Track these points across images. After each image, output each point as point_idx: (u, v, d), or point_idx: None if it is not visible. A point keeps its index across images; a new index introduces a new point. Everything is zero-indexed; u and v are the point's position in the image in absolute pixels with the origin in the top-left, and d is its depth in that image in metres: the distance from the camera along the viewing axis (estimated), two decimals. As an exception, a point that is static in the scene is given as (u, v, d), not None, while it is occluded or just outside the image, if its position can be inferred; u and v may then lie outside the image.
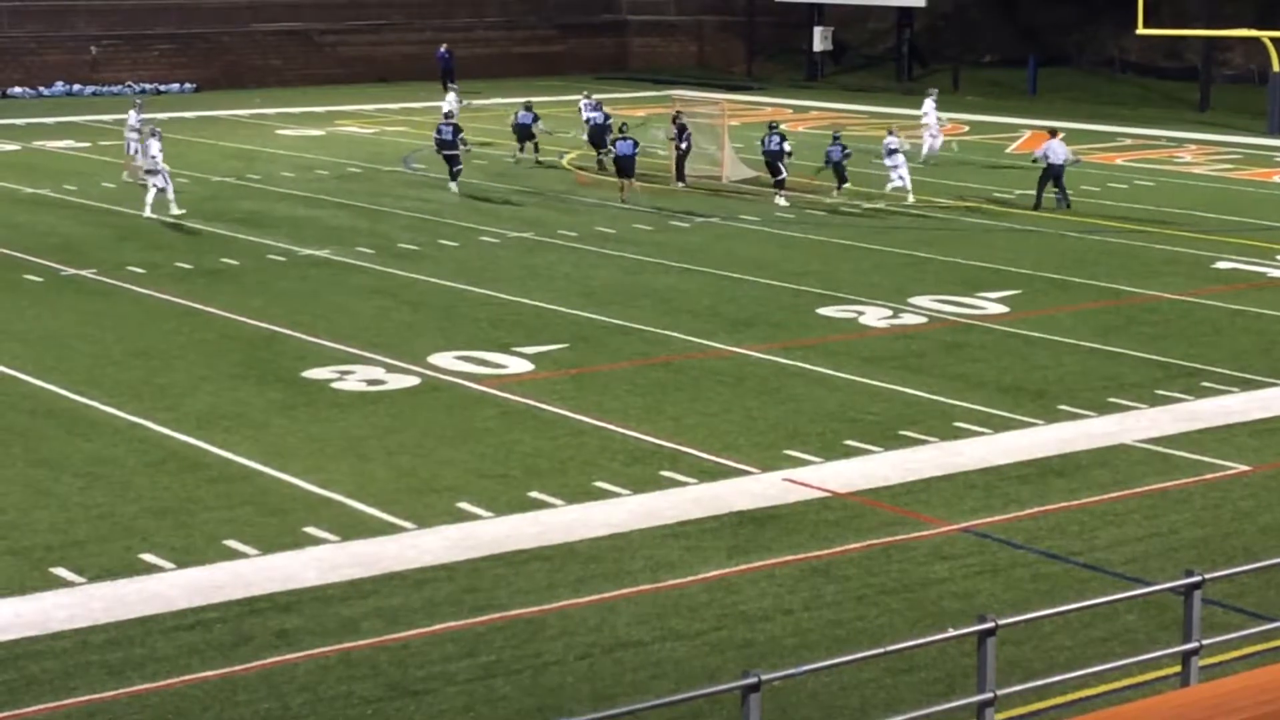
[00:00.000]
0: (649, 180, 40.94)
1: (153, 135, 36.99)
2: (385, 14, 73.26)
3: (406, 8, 73.79)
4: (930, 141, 46.91)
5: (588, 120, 45.61)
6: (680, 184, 41.75)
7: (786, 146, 39.34)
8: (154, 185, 36.52)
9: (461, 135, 40.71)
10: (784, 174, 39.23)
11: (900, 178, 39.82)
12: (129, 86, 66.11)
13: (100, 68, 66.88)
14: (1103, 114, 59.17)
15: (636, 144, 39.78)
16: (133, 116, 42.70)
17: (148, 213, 36.24)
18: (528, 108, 46.01)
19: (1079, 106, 61.13)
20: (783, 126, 40.90)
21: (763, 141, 40.00)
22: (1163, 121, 57.07)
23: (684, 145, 42.09)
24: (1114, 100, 62.79)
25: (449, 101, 49.86)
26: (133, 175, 40.41)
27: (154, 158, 36.40)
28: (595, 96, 48.55)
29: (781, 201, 38.90)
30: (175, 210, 36.49)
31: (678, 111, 43.64)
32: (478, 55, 71.24)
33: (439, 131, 40.97)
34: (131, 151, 41.29)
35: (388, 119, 55.88)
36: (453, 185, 40.29)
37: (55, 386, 22.88)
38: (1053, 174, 38.82)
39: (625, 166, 39.33)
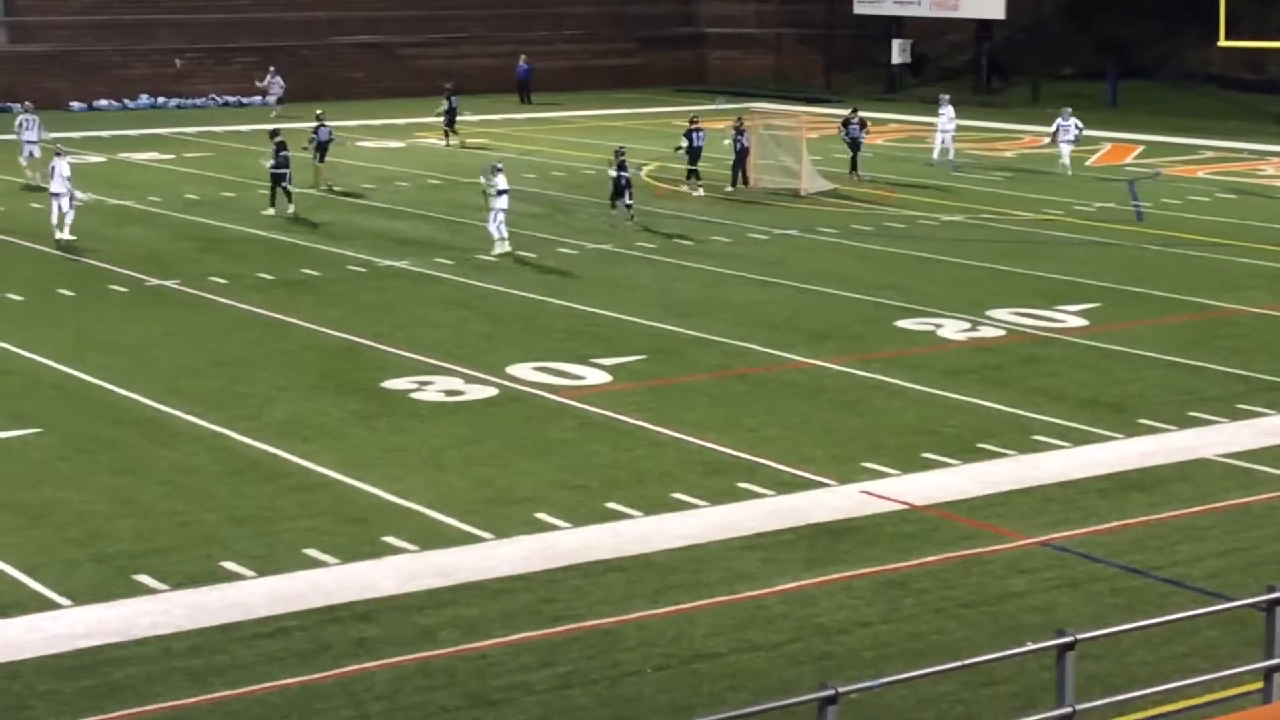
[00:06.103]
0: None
1: (59, 155, 35.87)
2: (464, 26, 73.55)
3: (485, 20, 74.05)
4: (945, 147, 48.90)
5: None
6: (730, 188, 42.81)
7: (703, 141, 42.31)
8: (59, 205, 35.10)
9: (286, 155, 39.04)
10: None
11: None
12: (212, 99, 66.79)
13: (184, 80, 67.55)
14: (1184, 126, 58.65)
15: None
16: (33, 129, 43.45)
17: (66, 235, 35.02)
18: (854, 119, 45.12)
19: (1160, 119, 60.59)
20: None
21: (689, 137, 42.11)
22: (1245, 134, 56.51)
23: (739, 147, 43.17)
24: (1195, 113, 62.20)
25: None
26: (40, 177, 40.88)
27: (67, 178, 35.07)
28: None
29: (700, 193, 41.77)
30: (67, 235, 35.01)
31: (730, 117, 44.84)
32: (556, 68, 71.51)
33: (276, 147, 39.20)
34: (26, 157, 43.19)
35: (466, 131, 56.05)
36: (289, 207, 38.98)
37: (139, 396, 23.14)
38: None
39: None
